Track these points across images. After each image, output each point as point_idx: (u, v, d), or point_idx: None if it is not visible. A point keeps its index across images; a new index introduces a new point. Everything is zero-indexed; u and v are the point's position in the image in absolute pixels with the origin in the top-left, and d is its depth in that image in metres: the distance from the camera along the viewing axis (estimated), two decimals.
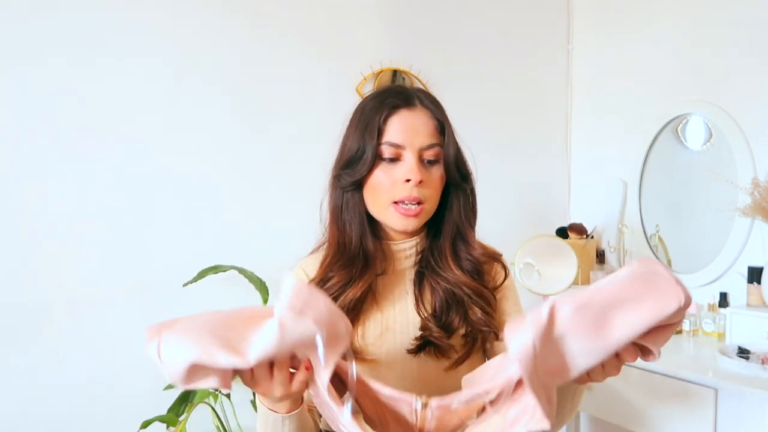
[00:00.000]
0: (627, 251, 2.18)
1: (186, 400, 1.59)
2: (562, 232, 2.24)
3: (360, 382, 0.68)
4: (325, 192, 0.97)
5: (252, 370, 0.64)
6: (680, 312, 0.58)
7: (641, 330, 0.58)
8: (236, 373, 0.63)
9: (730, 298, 1.82)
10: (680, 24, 2.07)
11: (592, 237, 2.26)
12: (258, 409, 0.81)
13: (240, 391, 1.73)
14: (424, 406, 0.67)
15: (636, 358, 0.64)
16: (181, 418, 1.53)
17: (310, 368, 0.65)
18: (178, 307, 1.66)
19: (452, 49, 2.21)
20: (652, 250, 2.15)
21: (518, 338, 0.56)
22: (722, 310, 1.78)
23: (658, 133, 2.13)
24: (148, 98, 1.70)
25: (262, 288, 1.62)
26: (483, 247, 0.96)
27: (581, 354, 0.59)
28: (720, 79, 1.94)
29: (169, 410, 1.57)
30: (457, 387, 0.92)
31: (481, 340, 0.92)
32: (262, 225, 1.86)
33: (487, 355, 0.95)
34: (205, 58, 1.78)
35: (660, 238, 2.16)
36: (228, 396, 1.65)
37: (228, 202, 1.82)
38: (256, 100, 1.86)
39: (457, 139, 0.93)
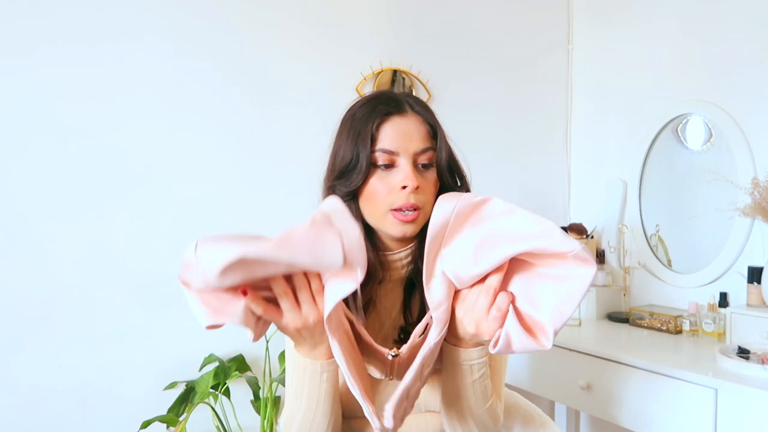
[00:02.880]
0: (627, 251, 2.18)
1: (186, 400, 1.59)
2: None
3: (351, 322, 0.81)
4: (319, 204, 0.96)
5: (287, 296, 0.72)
6: (569, 256, 0.68)
7: (516, 249, 0.70)
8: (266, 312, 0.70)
9: (730, 298, 1.82)
10: (680, 24, 2.07)
11: (592, 237, 2.26)
12: (288, 378, 0.84)
13: (240, 391, 1.73)
14: (395, 356, 0.81)
15: (503, 303, 0.73)
16: (181, 418, 1.53)
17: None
18: (179, 307, 1.67)
19: (452, 49, 2.21)
20: (652, 250, 2.15)
21: (445, 203, 0.74)
22: (722, 310, 1.77)
23: (658, 133, 2.14)
24: (149, 98, 1.70)
25: None
26: None
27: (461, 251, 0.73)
28: (720, 78, 1.94)
29: (169, 410, 1.57)
30: (436, 392, 0.93)
31: None
32: (262, 225, 1.86)
33: None
34: (204, 58, 1.78)
35: (660, 238, 2.16)
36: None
37: (228, 201, 1.82)
38: (256, 101, 1.86)
39: (450, 143, 0.92)
